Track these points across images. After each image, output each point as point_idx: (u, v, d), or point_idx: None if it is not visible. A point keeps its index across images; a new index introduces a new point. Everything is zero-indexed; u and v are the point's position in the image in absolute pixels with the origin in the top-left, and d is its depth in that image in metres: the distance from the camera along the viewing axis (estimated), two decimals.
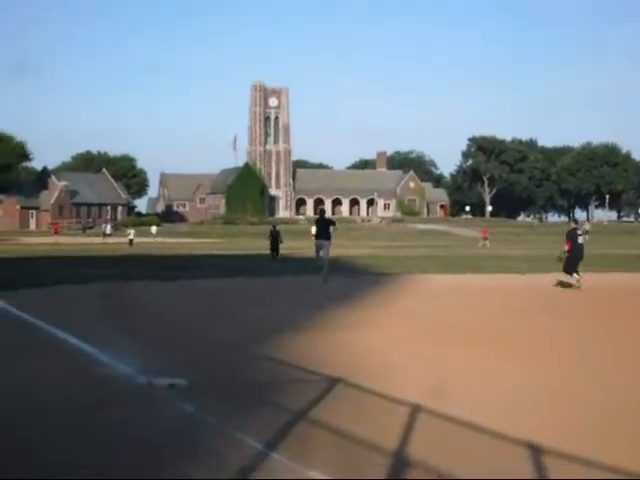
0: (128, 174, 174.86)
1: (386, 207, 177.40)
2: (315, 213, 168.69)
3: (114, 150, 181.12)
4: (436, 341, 14.01)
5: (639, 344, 13.96)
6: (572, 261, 24.71)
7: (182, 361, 11.69)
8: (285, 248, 42.28)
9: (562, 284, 24.96)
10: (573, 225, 26.53)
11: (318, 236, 27.85)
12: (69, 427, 8.03)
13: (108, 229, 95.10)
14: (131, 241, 71.22)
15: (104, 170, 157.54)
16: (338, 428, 7.82)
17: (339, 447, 7.36)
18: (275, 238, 41.53)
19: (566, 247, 25.04)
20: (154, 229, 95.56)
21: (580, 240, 25.22)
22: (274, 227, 42.75)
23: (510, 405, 9.07)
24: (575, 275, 24.46)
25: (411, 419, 8.21)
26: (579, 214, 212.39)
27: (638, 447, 7.45)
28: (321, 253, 26.97)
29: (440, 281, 27.19)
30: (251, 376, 10.65)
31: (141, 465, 6.84)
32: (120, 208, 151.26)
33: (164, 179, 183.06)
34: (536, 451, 7.12)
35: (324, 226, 27.66)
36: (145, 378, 10.15)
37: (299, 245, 55.65)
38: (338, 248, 45.74)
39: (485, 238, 70.45)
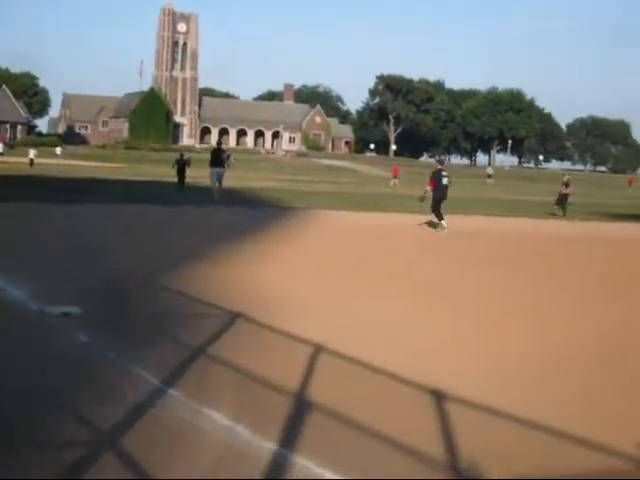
0: (29, 92, 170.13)
1: (291, 140, 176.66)
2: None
3: (15, 67, 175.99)
4: (339, 278, 13.92)
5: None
6: (435, 202, 24.82)
7: (77, 289, 11.28)
8: (188, 177, 41.53)
9: (431, 224, 25.11)
10: (439, 166, 26.37)
11: (214, 164, 30.92)
12: None
13: (0, 147, 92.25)
14: (32, 161, 68.92)
15: (4, 87, 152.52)
16: (237, 365, 7.63)
17: (238, 385, 7.18)
18: (182, 167, 39.82)
19: (428, 187, 25.18)
20: (59, 150, 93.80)
21: (444, 181, 25.06)
22: (182, 155, 41.48)
23: (413, 348, 8.99)
24: (443, 221, 24.53)
25: (312, 359, 8.06)
26: (481, 158, 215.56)
27: (528, 393, 7.46)
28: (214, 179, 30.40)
29: (343, 218, 27.14)
30: (150, 307, 10.38)
31: (29, 400, 6.53)
32: (20, 127, 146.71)
33: (66, 99, 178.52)
34: (438, 397, 7.04)
35: (220, 155, 31.35)
36: (37, 305, 9.78)
37: (201, 174, 54.89)
38: (241, 180, 45.38)
39: (395, 177, 70.57)
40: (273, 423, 6.11)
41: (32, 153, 71.60)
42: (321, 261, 16.45)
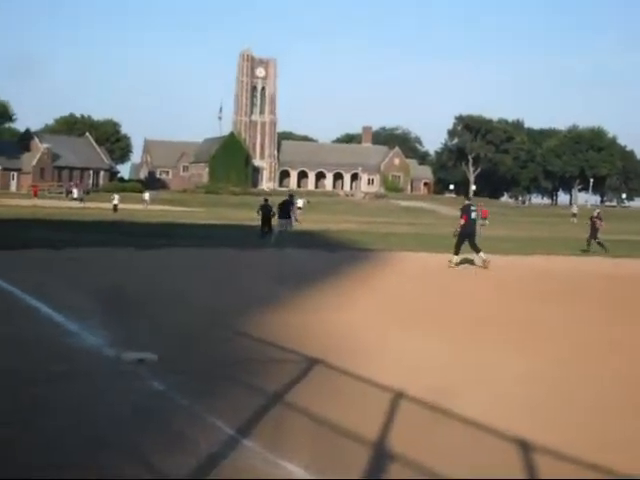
0: (112, 139, 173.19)
1: (370, 182, 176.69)
2: (299, 186, 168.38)
3: (98, 114, 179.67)
4: (417, 322, 13.64)
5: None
6: (461, 237, 24.72)
7: (154, 334, 11.21)
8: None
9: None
10: (467, 202, 26.25)
11: (280, 216, 32.12)
12: (27, 398, 7.59)
13: (75, 193, 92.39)
14: (115, 207, 68.51)
15: (87, 134, 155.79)
16: (314, 413, 7.41)
17: (315, 435, 6.94)
18: (267, 213, 36.69)
19: (462, 221, 24.89)
20: (147, 195, 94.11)
21: (473, 215, 25.06)
22: (266, 200, 39.21)
23: (494, 399, 8.66)
24: (456, 256, 24.63)
25: (392, 406, 7.80)
26: (562, 197, 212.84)
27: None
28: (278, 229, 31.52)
29: (423, 260, 26.83)
30: (226, 353, 10.25)
31: (103, 446, 6.39)
32: (102, 173, 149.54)
33: (148, 145, 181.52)
34: (524, 447, 6.71)
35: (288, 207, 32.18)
36: (114, 351, 9.69)
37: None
38: (320, 222, 45.41)
39: (484, 218, 69.67)
40: (350, 475, 5.87)
41: (116, 198, 71.38)
42: (399, 305, 16.17)
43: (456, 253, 24.50)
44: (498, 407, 8.07)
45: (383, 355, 10.49)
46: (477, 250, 24.47)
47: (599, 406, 8.49)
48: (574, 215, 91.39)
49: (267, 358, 9.98)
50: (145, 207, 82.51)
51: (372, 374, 9.00)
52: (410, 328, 12.98)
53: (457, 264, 24.16)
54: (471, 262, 24.89)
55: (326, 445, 6.69)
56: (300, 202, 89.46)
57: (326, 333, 11.94)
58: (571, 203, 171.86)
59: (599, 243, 32.71)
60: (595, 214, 34.70)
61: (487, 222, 66.35)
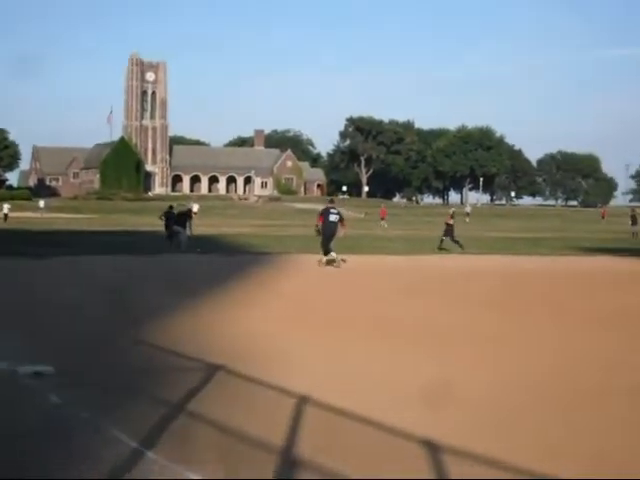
0: None
1: (263, 185, 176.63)
2: (192, 190, 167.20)
3: None
4: (320, 325, 13.58)
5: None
6: (324, 238, 25.22)
7: (50, 346, 10.88)
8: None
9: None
10: (329, 205, 26.74)
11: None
12: None
13: None
14: (6, 216, 66.46)
15: None
16: (220, 422, 7.25)
17: (221, 445, 6.80)
18: (170, 219, 35.21)
19: (319, 222, 25.60)
20: (42, 203, 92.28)
21: (332, 218, 25.33)
22: (170, 207, 37.90)
23: (394, 395, 8.64)
24: (330, 255, 24.95)
25: (298, 411, 7.69)
26: (453, 196, 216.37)
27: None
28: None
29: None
30: (126, 363, 9.99)
31: (2, 463, 6.13)
32: None
33: (36, 152, 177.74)
34: (433, 448, 6.69)
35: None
36: (7, 364, 9.34)
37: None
38: (215, 227, 45.09)
39: (383, 218, 69.99)
40: None
41: (6, 208, 68.94)
42: (301, 307, 16.10)
43: (325, 253, 24.87)
44: (404, 409, 8.03)
45: (286, 359, 10.38)
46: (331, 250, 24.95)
47: (508, 406, 8.54)
48: (467, 214, 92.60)
49: (168, 367, 9.78)
50: (41, 215, 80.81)
51: (276, 379, 8.88)
52: (313, 331, 12.91)
53: (326, 263, 24.49)
54: (342, 261, 24.92)
55: (232, 454, 6.56)
56: (195, 207, 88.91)
57: (228, 338, 11.78)
58: (462, 202, 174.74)
59: (455, 241, 32.99)
60: (451, 213, 35.31)
61: (385, 224, 66.91)
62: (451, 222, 33.84)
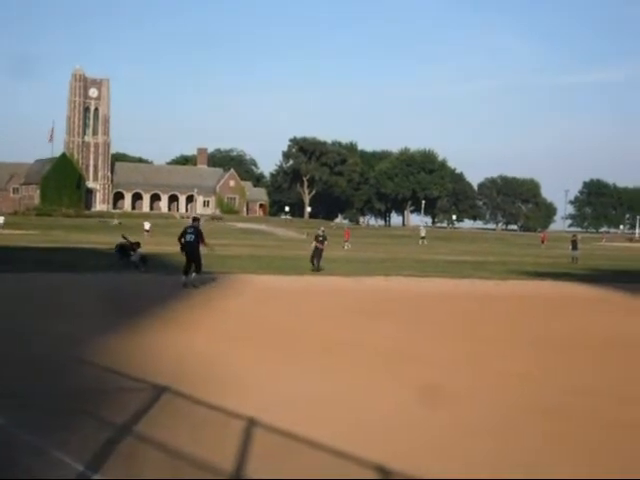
0: None
1: (206, 204, 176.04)
2: (133, 207, 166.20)
3: None
4: (266, 344, 13.50)
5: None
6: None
7: None
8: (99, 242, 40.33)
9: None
10: (189, 224, 26.55)
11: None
12: None
13: None
14: None
15: None
16: (166, 444, 7.14)
17: (167, 468, 6.69)
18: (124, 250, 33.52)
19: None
20: (2, 219, 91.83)
21: (188, 238, 24.86)
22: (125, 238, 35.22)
23: (352, 425, 8.59)
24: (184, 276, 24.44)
25: (246, 434, 7.60)
26: (395, 218, 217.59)
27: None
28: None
29: (265, 281, 26.78)
30: (69, 384, 9.83)
31: None
32: None
33: None
34: (383, 472, 6.65)
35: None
36: None
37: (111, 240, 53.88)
38: (157, 245, 44.73)
39: (346, 240, 70.03)
40: None
41: None
42: (246, 327, 16.00)
43: (184, 273, 24.43)
44: (356, 433, 7.99)
45: (233, 380, 10.30)
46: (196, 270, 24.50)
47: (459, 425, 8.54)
48: (423, 238, 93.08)
49: (114, 387, 9.64)
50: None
51: (222, 401, 8.80)
52: (259, 350, 12.85)
53: (184, 284, 23.97)
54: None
55: (180, 478, 6.46)
56: (147, 225, 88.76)
57: (173, 359, 11.67)
58: (403, 224, 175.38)
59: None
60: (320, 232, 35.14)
61: (349, 245, 66.94)
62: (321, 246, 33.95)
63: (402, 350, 13.74)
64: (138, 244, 32.52)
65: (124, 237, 34.57)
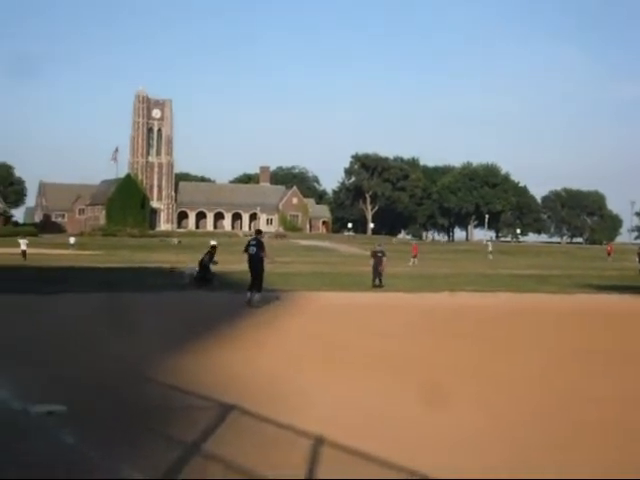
0: (5, 182, 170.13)
1: (269, 222, 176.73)
2: (197, 227, 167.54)
3: None
4: (332, 364, 13.45)
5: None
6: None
7: (62, 385, 10.79)
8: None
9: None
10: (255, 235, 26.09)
11: None
12: None
13: None
14: (24, 253, 60.29)
15: None
16: (235, 463, 7.14)
17: None
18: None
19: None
20: (73, 239, 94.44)
21: (251, 250, 24.25)
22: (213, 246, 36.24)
23: (416, 440, 8.52)
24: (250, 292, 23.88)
25: (314, 453, 7.57)
26: (458, 233, 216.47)
27: None
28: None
29: (330, 299, 26.76)
30: (138, 402, 9.88)
31: None
32: None
33: (43, 188, 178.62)
34: None
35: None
36: (20, 404, 9.25)
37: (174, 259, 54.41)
38: (222, 264, 45.02)
39: (415, 256, 69.46)
40: None
41: (23, 244, 62.18)
42: (310, 345, 15.99)
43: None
44: (420, 449, 7.92)
45: (299, 398, 10.27)
46: (257, 288, 23.72)
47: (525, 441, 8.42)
48: (490, 252, 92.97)
49: (182, 405, 9.68)
50: (72, 252, 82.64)
51: (289, 419, 8.76)
52: (325, 370, 12.80)
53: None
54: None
55: None
56: (213, 242, 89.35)
57: (239, 378, 11.68)
58: (467, 239, 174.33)
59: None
60: (378, 248, 35.06)
61: (416, 261, 66.41)
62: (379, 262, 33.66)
63: (467, 367, 13.62)
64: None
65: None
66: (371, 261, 34.42)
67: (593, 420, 9.58)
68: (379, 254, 33.71)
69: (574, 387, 11.81)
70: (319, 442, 7.87)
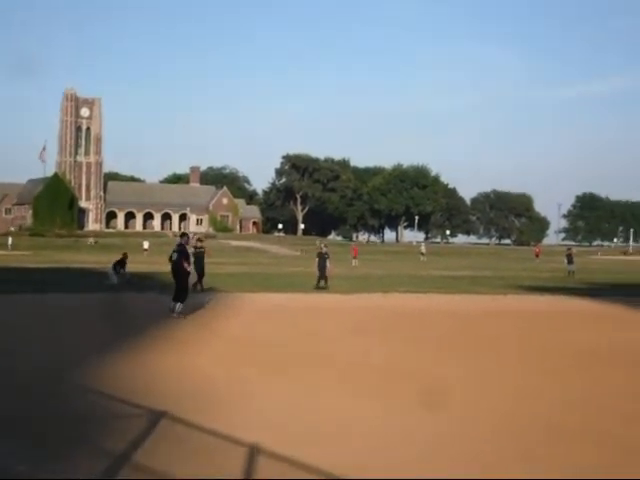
0: None
1: (199, 222, 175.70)
2: (126, 227, 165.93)
3: None
4: (267, 367, 13.11)
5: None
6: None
7: None
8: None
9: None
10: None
11: None
12: None
13: None
14: None
15: None
16: (167, 474, 6.77)
17: None
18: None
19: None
20: (10, 240, 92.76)
21: (173, 257, 22.03)
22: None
23: (349, 445, 8.21)
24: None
25: (249, 462, 7.23)
26: (388, 234, 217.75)
27: None
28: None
29: (263, 300, 26.42)
30: (64, 411, 9.45)
31: None
32: None
33: None
34: None
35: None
36: None
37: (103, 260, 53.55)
38: (151, 264, 44.47)
39: (355, 257, 69.23)
40: None
41: None
42: (244, 347, 15.63)
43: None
44: (353, 455, 7.63)
45: (232, 403, 9.93)
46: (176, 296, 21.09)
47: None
48: (423, 254, 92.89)
49: (110, 414, 9.26)
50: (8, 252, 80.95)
51: (223, 426, 8.45)
52: (259, 372, 12.45)
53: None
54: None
55: None
56: (145, 244, 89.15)
57: (169, 383, 11.30)
58: (397, 240, 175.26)
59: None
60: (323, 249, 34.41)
61: (357, 262, 66.31)
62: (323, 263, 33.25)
63: (396, 367, 13.39)
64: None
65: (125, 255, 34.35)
66: (316, 262, 33.73)
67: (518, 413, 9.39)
68: (325, 255, 33.35)
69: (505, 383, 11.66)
70: (254, 450, 7.54)
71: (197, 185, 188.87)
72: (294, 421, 9.16)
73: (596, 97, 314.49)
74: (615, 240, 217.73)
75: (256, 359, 14.06)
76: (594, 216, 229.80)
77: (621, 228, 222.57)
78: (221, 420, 8.78)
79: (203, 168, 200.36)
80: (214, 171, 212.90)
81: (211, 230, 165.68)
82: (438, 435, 8.73)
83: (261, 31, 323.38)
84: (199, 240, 32.17)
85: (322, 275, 32.53)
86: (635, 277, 52.00)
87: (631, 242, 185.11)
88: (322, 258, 33.03)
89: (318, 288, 31.54)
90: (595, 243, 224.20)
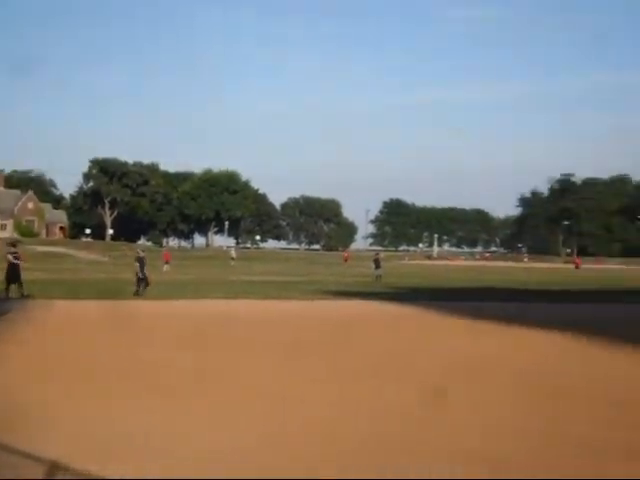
0: None
1: (3, 228, 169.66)
2: None
3: None
4: (69, 377, 12.86)
5: None
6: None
7: None
8: None
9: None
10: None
11: None
12: None
13: None
14: None
15: None
16: None
17: None
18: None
19: None
20: None
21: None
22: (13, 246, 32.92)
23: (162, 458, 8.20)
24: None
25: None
26: (198, 239, 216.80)
27: None
28: None
29: (70, 308, 25.84)
30: None
31: None
32: None
33: None
34: None
35: None
36: None
37: None
38: None
39: (167, 262, 67.58)
40: None
41: None
42: (49, 357, 15.20)
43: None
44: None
45: (31, 418, 9.63)
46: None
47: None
48: (233, 259, 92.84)
49: None
50: None
51: (25, 443, 8.14)
52: (62, 384, 12.19)
53: None
54: None
55: None
56: None
57: None
58: (207, 245, 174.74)
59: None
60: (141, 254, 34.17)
61: (168, 267, 65.06)
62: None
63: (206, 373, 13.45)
64: None
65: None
66: (135, 267, 32.72)
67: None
68: (144, 260, 32.77)
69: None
70: (55, 469, 7.35)
71: (1, 189, 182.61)
72: (102, 436, 8.95)
73: (411, 106, 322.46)
74: (420, 245, 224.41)
75: (68, 370, 13.72)
76: (400, 222, 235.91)
77: (426, 233, 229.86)
78: (24, 438, 8.46)
79: (7, 171, 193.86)
80: (19, 174, 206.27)
81: (15, 235, 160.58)
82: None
83: (75, 29, 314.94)
84: (12, 245, 31.24)
85: (140, 281, 32.04)
86: (437, 281, 54.09)
87: (435, 247, 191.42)
88: (141, 262, 32.45)
89: (137, 295, 31.06)
90: (401, 248, 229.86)
